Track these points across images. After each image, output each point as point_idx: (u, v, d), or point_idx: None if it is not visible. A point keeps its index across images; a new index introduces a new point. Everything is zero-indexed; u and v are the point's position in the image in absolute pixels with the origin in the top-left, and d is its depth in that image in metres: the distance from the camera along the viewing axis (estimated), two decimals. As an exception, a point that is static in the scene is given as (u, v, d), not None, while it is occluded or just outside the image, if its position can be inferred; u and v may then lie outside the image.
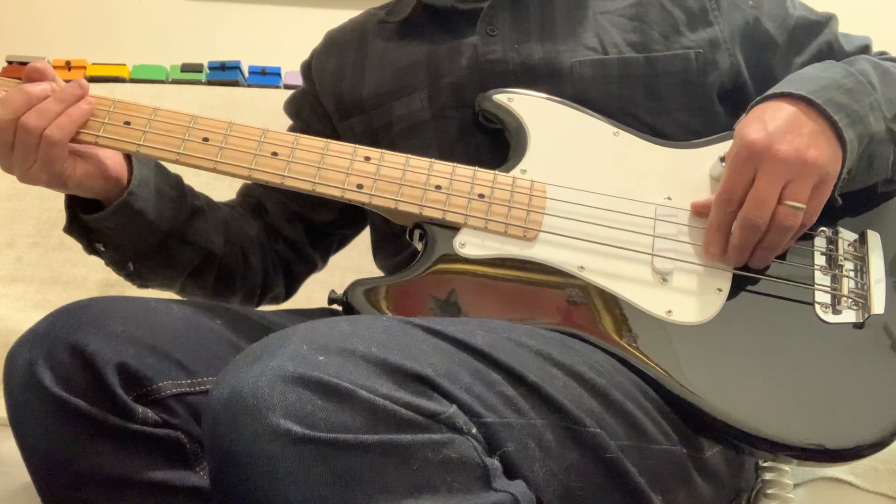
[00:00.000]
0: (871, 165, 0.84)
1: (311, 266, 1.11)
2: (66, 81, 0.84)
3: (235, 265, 1.00)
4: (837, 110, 0.79)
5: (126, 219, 0.87)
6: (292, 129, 1.09)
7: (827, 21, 0.97)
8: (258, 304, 1.07)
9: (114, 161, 0.86)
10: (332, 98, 1.04)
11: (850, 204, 0.83)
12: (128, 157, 0.88)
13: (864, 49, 0.96)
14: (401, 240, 0.92)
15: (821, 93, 0.79)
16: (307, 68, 1.09)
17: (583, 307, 0.79)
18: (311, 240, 1.08)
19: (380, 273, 1.07)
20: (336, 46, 1.07)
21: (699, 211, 0.83)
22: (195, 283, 0.98)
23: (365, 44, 1.04)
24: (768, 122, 0.78)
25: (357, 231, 1.13)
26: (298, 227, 1.07)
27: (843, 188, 0.81)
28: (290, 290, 1.11)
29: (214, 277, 0.98)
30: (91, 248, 0.91)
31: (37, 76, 0.83)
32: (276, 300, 1.09)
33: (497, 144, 0.90)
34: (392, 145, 0.94)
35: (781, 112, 0.79)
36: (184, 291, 0.99)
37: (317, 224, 1.08)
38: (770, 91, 0.83)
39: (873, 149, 0.82)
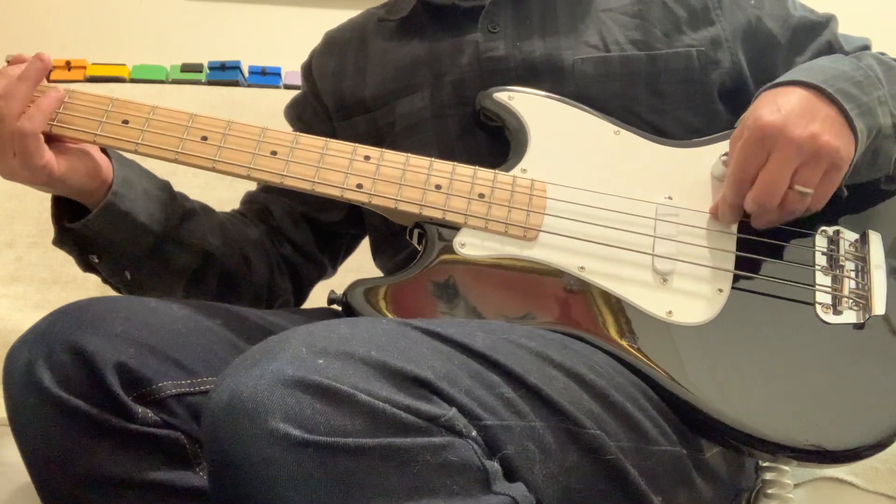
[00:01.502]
0: (875, 160, 0.84)
1: (321, 270, 1.10)
2: (66, 82, 0.83)
3: (237, 268, 0.98)
4: (848, 100, 0.78)
5: (114, 221, 0.86)
6: (294, 133, 1.09)
7: (827, 22, 0.97)
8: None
9: (103, 160, 0.86)
10: (333, 97, 1.04)
11: (851, 203, 0.83)
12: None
13: (864, 49, 0.96)
14: (400, 240, 0.91)
15: (831, 82, 0.79)
16: (307, 68, 1.09)
17: (583, 308, 0.79)
18: (318, 242, 1.07)
19: (380, 273, 1.07)
20: (336, 46, 1.07)
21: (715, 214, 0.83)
22: (198, 289, 0.96)
23: (365, 43, 1.04)
24: (782, 105, 0.77)
25: (366, 231, 1.12)
26: (305, 230, 1.06)
27: (845, 182, 0.81)
28: (299, 297, 1.09)
29: (217, 282, 0.97)
30: (85, 262, 0.90)
31: (17, 62, 0.82)
32: (286, 307, 1.07)
33: (497, 143, 0.90)
34: (394, 144, 0.94)
35: (794, 97, 0.79)
36: (188, 298, 0.97)
37: (324, 225, 1.06)
38: (779, 79, 0.82)
39: (879, 143, 0.82)
